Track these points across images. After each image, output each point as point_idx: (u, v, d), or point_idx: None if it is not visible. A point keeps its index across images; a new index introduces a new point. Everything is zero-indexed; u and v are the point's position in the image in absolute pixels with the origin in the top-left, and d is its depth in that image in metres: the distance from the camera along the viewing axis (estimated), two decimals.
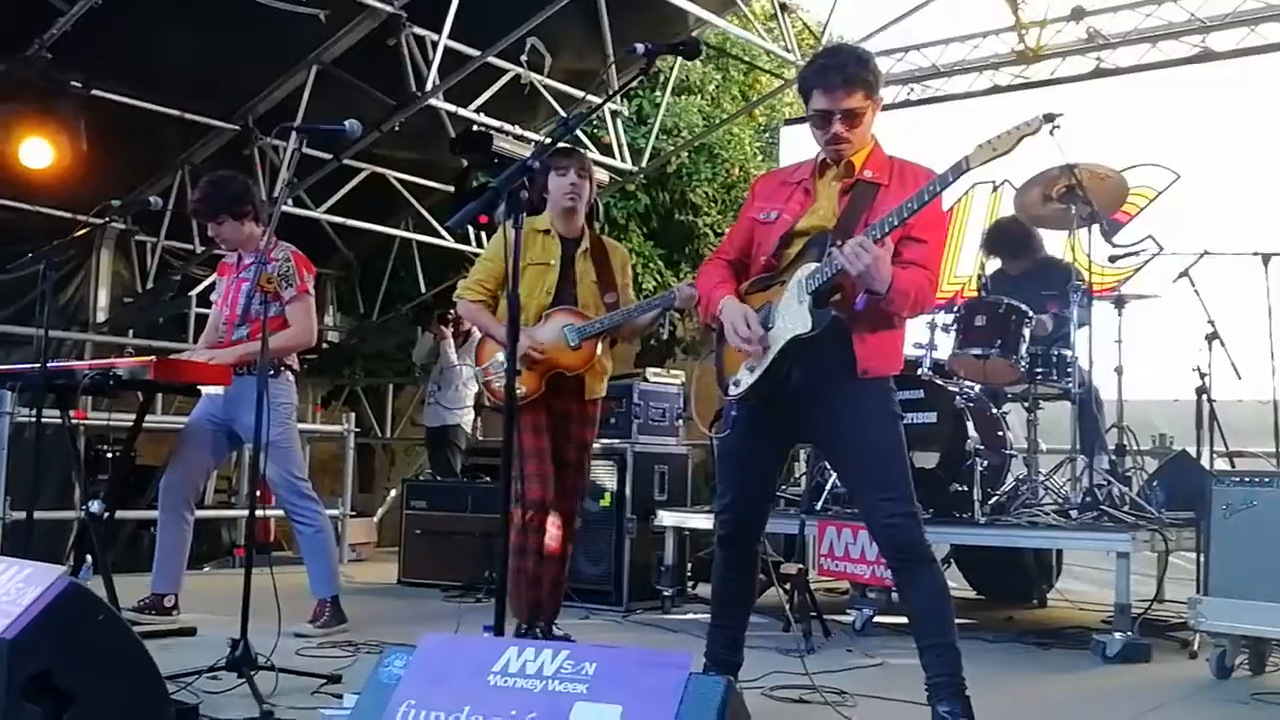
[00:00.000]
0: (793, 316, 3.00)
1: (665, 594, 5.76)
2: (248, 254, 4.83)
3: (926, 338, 5.57)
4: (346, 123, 3.80)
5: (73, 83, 6.74)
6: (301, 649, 4.18)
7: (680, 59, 8.55)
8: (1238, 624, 4.04)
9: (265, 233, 4.42)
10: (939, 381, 5.33)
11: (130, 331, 8.78)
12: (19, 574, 2.56)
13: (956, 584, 6.46)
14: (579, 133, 8.54)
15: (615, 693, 1.81)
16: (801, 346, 2.98)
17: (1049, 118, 2.89)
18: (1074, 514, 5.07)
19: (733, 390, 3.12)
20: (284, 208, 7.72)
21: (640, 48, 2.98)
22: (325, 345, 10.68)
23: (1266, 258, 5.36)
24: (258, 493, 5.71)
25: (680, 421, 6.26)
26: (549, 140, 3.23)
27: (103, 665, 2.53)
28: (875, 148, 3.15)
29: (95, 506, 4.25)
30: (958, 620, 3.08)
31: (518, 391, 3.97)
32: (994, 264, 6.26)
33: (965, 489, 5.07)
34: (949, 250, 8.12)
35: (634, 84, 8.98)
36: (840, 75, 3.04)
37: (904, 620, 3.22)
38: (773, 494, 3.45)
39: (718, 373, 3.21)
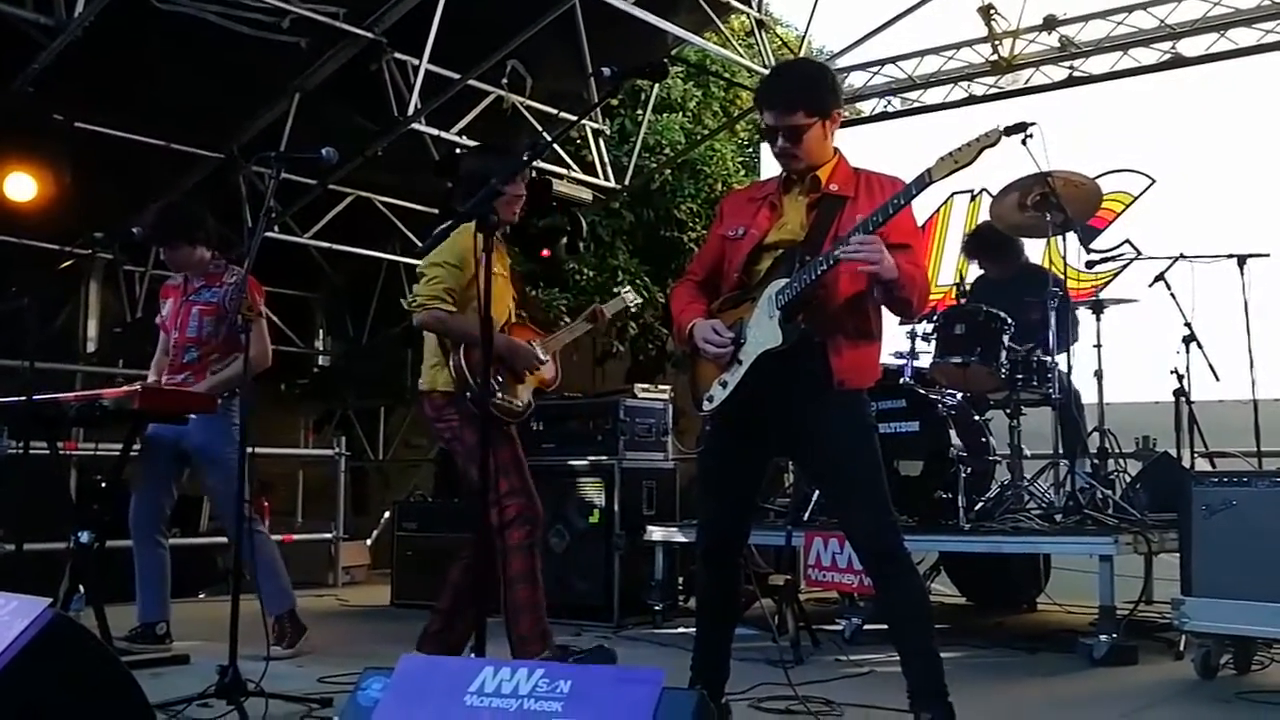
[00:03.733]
0: (763, 331, 3.04)
1: (656, 608, 5.80)
2: (195, 277, 4.90)
3: (907, 347, 5.62)
4: (323, 150, 3.85)
5: (55, 116, 6.78)
6: (292, 673, 4.20)
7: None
8: (1221, 624, 4.08)
9: (235, 260, 4.44)
10: (921, 390, 5.38)
11: (120, 361, 8.80)
12: (4, 607, 2.58)
13: (947, 590, 6.50)
14: (560, 151, 8.62)
15: (589, 710, 1.84)
16: (773, 361, 3.02)
17: (1010, 130, 2.94)
18: (1058, 518, 5.11)
19: (707, 406, 3.15)
20: (271, 234, 7.85)
21: (607, 71, 3.02)
22: (315, 369, 10.74)
23: (1242, 260, 5.44)
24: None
25: (668, 437, 6.30)
26: (523, 159, 3.26)
27: (90, 696, 2.54)
28: (840, 161, 3.19)
29: (85, 537, 4.28)
30: (947, 626, 3.12)
31: (521, 406, 4.16)
32: (975, 271, 6.32)
33: (950, 496, 5.12)
34: (930, 261, 8.19)
35: (608, 103, 9.04)
36: (780, 94, 3.14)
37: None
38: (752, 508, 3.48)
39: (692, 391, 3.24)
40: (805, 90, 3.13)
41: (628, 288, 5.43)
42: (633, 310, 5.27)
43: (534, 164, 6.79)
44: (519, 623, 3.87)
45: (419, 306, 3.97)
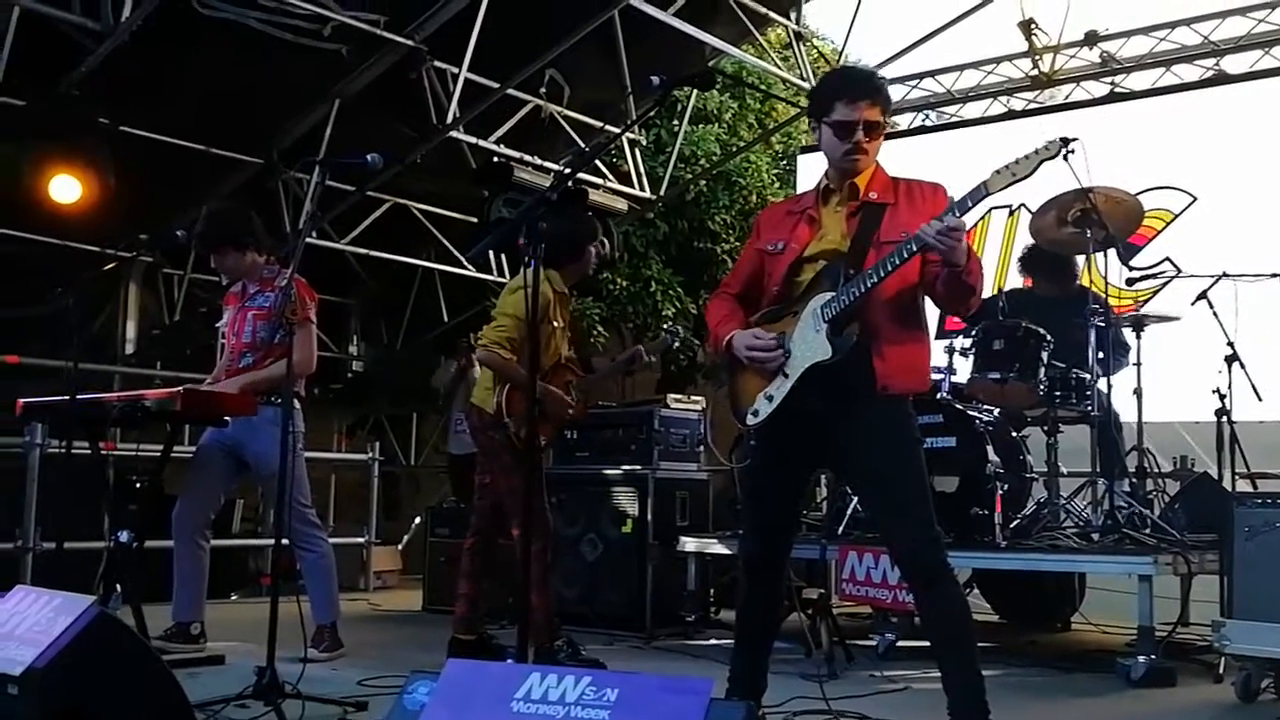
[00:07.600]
0: (809, 345, 3.02)
1: (688, 620, 5.78)
2: (252, 282, 4.96)
3: (945, 362, 5.58)
4: (369, 155, 3.87)
5: (100, 119, 6.87)
6: (328, 676, 4.21)
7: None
8: (1262, 647, 4.01)
9: (281, 262, 4.46)
10: (958, 405, 5.34)
11: (158, 363, 8.89)
12: (49, 604, 2.61)
13: (979, 608, 6.44)
14: (598, 162, 8.64)
15: (637, 718, 1.84)
16: (820, 373, 3.01)
17: (1066, 141, 2.91)
18: (1095, 537, 5.05)
19: (751, 420, 3.12)
20: (308, 239, 7.90)
21: (656, 80, 3.02)
22: (350, 375, 10.80)
23: None
24: None
25: (702, 448, 6.28)
26: (567, 170, 3.26)
27: (132, 693, 2.57)
28: (877, 169, 3.18)
29: (124, 536, 4.31)
30: (980, 644, 3.08)
31: (542, 445, 4.74)
32: (1011, 284, 6.25)
33: (986, 513, 5.07)
34: None
35: (651, 114, 9.05)
36: (866, 86, 3.13)
37: (927, 644, 3.22)
38: (796, 521, 3.45)
39: (731, 404, 3.21)
40: (887, 91, 3.23)
41: (669, 324, 5.53)
42: (676, 347, 5.47)
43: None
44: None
45: (483, 346, 4.58)
